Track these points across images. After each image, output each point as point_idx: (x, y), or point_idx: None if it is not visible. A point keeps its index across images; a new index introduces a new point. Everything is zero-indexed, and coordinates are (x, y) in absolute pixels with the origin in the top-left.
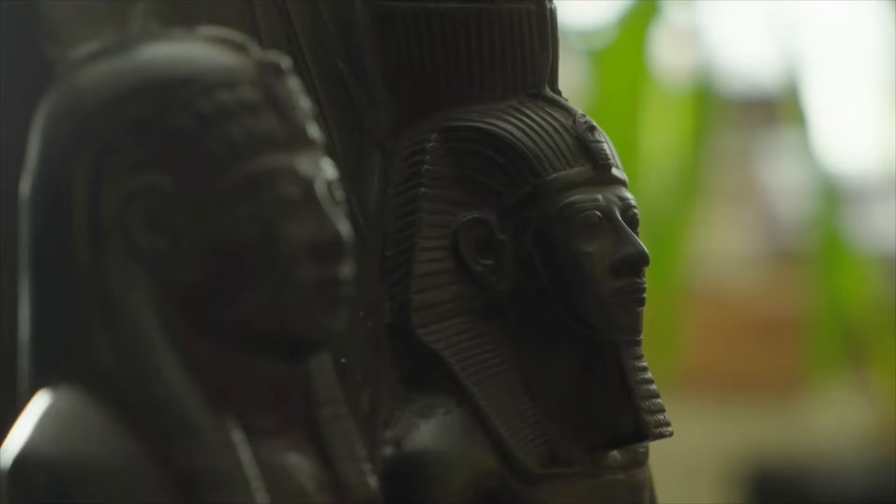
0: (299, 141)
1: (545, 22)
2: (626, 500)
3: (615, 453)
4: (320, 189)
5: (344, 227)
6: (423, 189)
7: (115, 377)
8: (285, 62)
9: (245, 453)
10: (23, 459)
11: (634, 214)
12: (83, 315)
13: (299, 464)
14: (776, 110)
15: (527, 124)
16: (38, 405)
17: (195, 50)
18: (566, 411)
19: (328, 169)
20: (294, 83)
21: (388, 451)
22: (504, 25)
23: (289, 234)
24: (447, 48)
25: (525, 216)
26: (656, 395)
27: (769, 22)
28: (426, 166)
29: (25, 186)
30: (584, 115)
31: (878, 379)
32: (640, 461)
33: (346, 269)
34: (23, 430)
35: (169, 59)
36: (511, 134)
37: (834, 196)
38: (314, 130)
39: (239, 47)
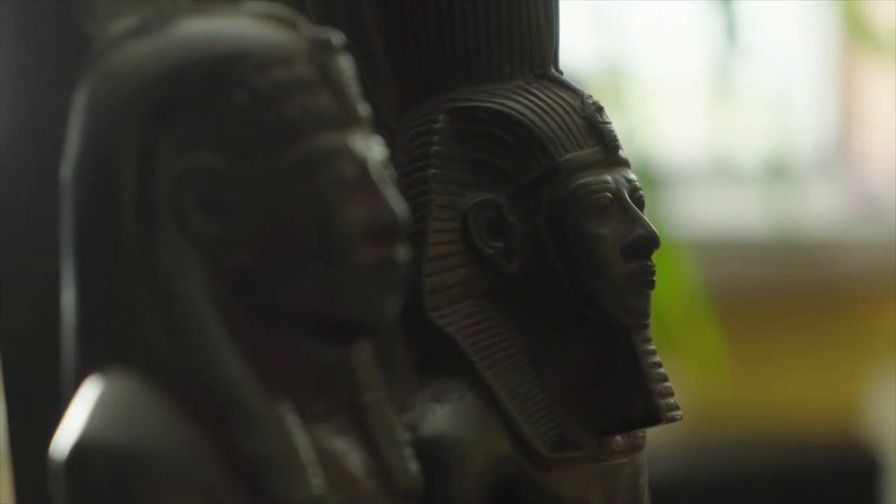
0: (352, 120)
1: (550, 0)
2: (628, 483)
3: (618, 438)
4: (374, 168)
5: (399, 208)
6: (432, 170)
7: (168, 361)
8: (337, 39)
9: (301, 438)
10: (81, 449)
11: (641, 196)
12: (134, 298)
13: (348, 449)
14: (596, 94)
15: (537, 105)
16: (90, 392)
17: (245, 26)
18: (575, 395)
19: (379, 148)
20: (346, 61)
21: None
22: (511, 3)
23: (346, 216)
24: (453, 26)
25: (536, 198)
26: (666, 379)
27: (591, 7)
28: (434, 147)
29: (67, 169)
30: (591, 96)
31: (690, 365)
32: (640, 445)
33: (403, 251)
34: (77, 418)
35: (219, 35)
36: (522, 114)
37: (650, 182)
38: (364, 109)
39: (289, 23)
